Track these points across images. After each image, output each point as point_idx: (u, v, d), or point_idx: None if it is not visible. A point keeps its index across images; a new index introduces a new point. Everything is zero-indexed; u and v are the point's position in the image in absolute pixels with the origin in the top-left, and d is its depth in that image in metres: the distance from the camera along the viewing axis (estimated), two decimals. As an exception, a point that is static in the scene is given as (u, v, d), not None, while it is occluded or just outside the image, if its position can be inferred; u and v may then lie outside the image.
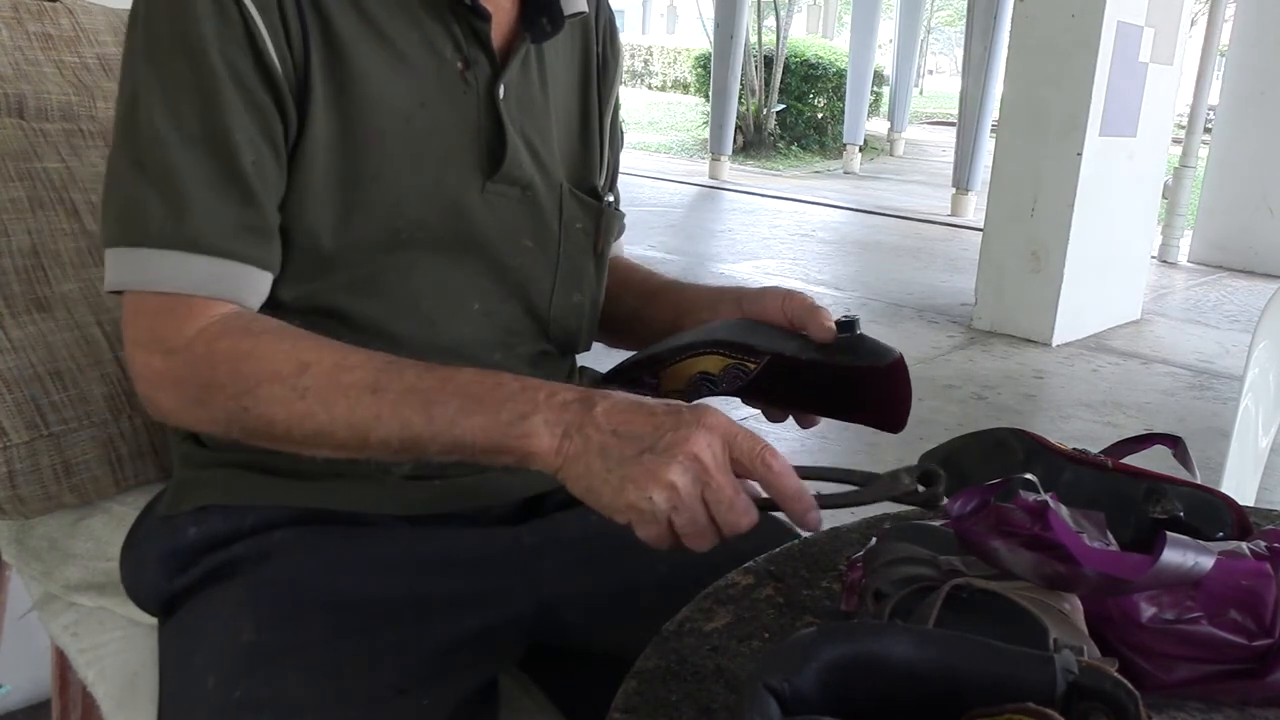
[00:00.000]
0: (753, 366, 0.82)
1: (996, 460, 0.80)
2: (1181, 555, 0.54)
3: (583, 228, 0.93)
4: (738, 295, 0.91)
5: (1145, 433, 0.83)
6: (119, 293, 0.76)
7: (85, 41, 1.19)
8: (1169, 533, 0.56)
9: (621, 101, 1.06)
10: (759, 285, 0.90)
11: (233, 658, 0.74)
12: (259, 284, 0.76)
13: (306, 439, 0.70)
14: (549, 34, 0.87)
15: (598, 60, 0.97)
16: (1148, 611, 0.59)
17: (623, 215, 1.08)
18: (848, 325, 0.81)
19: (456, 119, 0.83)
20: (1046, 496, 0.61)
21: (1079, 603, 0.57)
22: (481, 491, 0.86)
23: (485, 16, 0.82)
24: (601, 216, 0.94)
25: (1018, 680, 0.44)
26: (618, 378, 0.89)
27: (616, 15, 1.03)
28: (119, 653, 0.91)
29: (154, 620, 0.87)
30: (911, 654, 0.45)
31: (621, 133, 1.07)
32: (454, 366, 0.70)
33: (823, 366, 0.81)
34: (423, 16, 0.81)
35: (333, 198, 0.79)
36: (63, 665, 1.03)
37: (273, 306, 0.79)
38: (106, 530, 0.96)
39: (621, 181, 1.07)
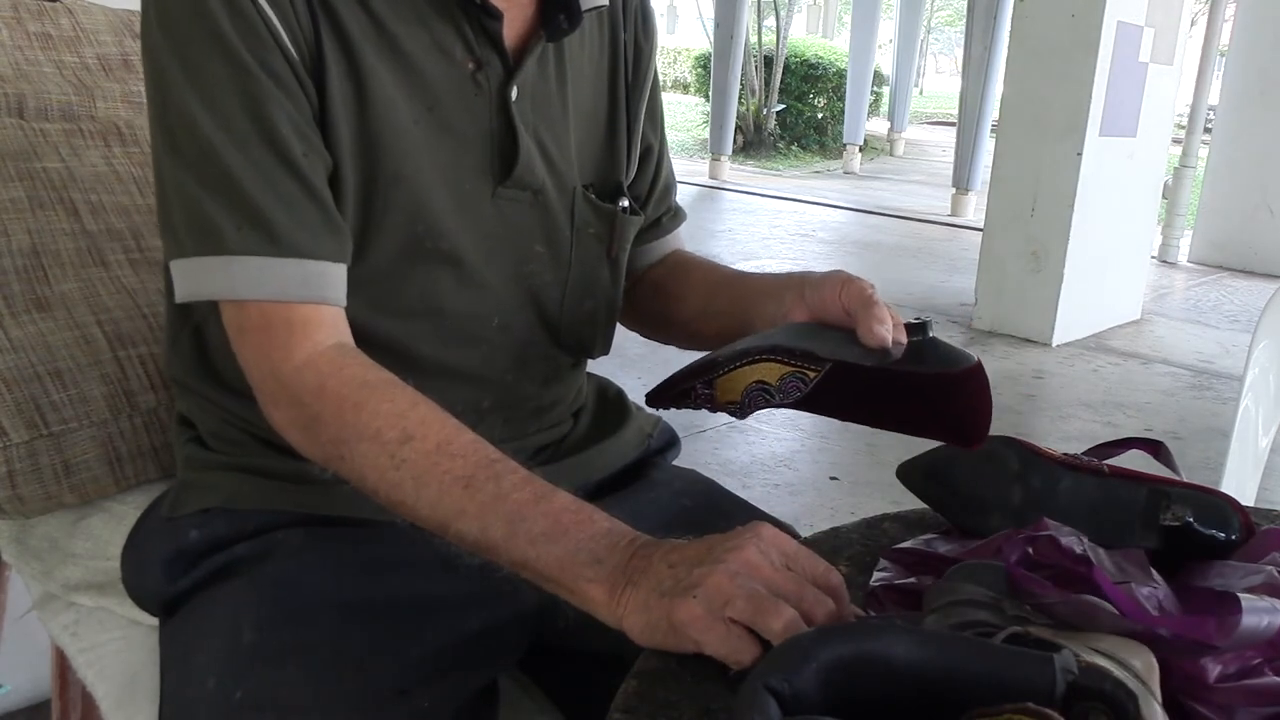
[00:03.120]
0: (812, 375, 0.76)
1: (989, 472, 0.78)
2: (1258, 618, 0.53)
3: (595, 233, 0.91)
4: (801, 283, 0.84)
5: (1125, 437, 0.82)
6: (181, 302, 0.76)
7: (85, 41, 1.19)
8: (1243, 595, 0.54)
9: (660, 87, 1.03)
10: (824, 272, 0.84)
11: (233, 658, 0.74)
12: (340, 280, 0.76)
13: (390, 503, 0.71)
14: (566, 31, 0.85)
15: (626, 49, 0.95)
16: (1215, 670, 0.56)
17: (682, 211, 1.06)
18: (919, 329, 0.74)
19: (467, 122, 0.81)
20: (1085, 546, 0.59)
21: (1154, 659, 0.53)
22: None
23: (496, 15, 0.80)
24: (615, 220, 0.92)
25: (1017, 680, 0.44)
26: (669, 389, 0.83)
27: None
28: (119, 653, 0.91)
29: (154, 620, 0.87)
30: (911, 654, 0.45)
31: (664, 128, 1.04)
32: (553, 487, 0.68)
33: (888, 374, 0.75)
34: (430, 16, 0.79)
35: (355, 201, 0.78)
36: (63, 665, 1.03)
37: None
38: (106, 530, 0.96)
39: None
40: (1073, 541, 0.59)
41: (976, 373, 0.73)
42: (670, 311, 1.01)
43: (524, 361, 0.90)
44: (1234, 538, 0.70)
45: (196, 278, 0.74)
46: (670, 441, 1.07)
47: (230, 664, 0.74)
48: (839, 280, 0.80)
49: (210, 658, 0.75)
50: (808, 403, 0.78)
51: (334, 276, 0.75)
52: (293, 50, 0.74)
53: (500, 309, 0.86)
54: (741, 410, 0.80)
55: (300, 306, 0.74)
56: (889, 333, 0.75)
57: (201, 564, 0.82)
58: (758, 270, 0.99)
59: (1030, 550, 0.60)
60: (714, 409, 0.83)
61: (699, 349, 0.97)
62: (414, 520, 0.70)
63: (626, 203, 0.94)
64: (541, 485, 0.68)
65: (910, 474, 0.80)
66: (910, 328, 0.75)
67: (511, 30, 0.83)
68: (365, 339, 0.79)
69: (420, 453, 0.69)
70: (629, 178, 0.97)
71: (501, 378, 0.89)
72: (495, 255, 0.85)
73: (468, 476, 0.68)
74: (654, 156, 1.01)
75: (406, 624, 0.78)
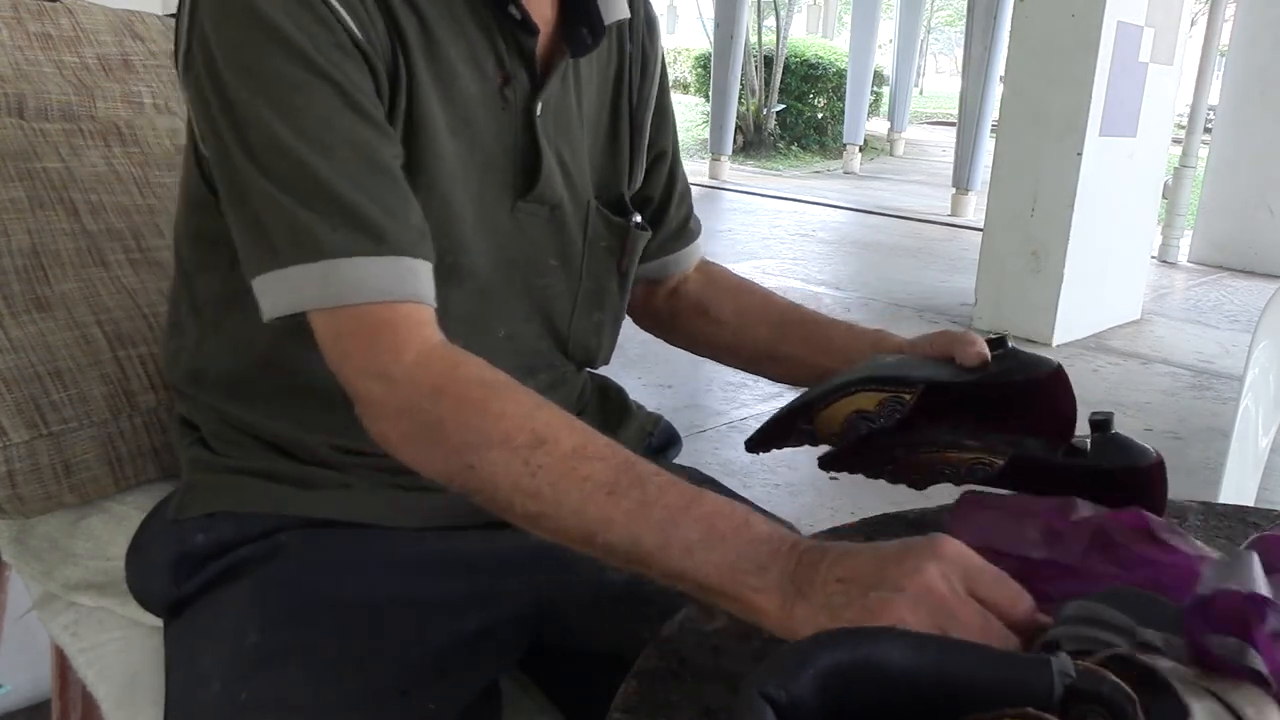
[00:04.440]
0: (909, 397, 0.79)
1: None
2: None
3: (607, 246, 0.91)
4: (877, 341, 0.90)
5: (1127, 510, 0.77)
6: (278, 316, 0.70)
7: (85, 41, 1.19)
8: None
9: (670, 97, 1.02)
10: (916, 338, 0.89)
11: (238, 660, 0.74)
12: (430, 279, 0.72)
13: (526, 516, 0.65)
14: (590, 47, 0.85)
15: (632, 59, 0.95)
16: None
17: (698, 222, 1.06)
18: (998, 343, 0.80)
19: (493, 136, 0.81)
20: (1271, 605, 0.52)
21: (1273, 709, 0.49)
22: None
23: (534, 31, 0.80)
24: (628, 235, 0.92)
25: (1015, 684, 0.44)
26: (774, 429, 0.85)
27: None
28: (119, 652, 0.91)
29: (155, 621, 0.87)
30: (909, 659, 0.45)
31: (675, 131, 1.03)
32: (698, 488, 0.64)
33: (978, 387, 0.79)
34: (470, 28, 0.79)
35: None
36: (63, 665, 1.04)
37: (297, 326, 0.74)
38: (107, 530, 0.96)
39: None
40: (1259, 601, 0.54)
41: (1059, 376, 0.79)
42: (724, 338, 1.02)
43: (530, 370, 0.90)
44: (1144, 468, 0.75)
45: (291, 288, 0.69)
46: (671, 440, 1.07)
47: (235, 666, 0.74)
48: (928, 335, 0.86)
49: (215, 660, 0.75)
50: (908, 426, 0.80)
51: (426, 276, 0.72)
52: (373, 55, 0.72)
53: (506, 320, 0.86)
54: (842, 440, 0.82)
55: (401, 305, 0.69)
56: (984, 350, 0.80)
57: (207, 567, 0.82)
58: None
59: (1208, 599, 0.53)
60: (815, 443, 0.85)
61: (759, 375, 1.01)
62: (553, 534, 0.65)
63: (639, 218, 0.94)
64: (688, 488, 0.64)
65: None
66: (991, 343, 0.80)
67: (538, 46, 0.83)
68: None
69: (556, 457, 0.64)
70: (632, 189, 0.97)
71: None
72: (510, 268, 0.85)
73: (610, 482, 0.63)
74: (667, 161, 1.01)
75: (409, 624, 0.78)
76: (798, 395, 0.85)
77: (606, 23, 0.85)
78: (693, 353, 1.07)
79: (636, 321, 1.10)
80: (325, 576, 0.79)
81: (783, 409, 0.85)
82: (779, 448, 0.87)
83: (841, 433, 0.82)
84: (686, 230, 1.04)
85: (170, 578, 0.82)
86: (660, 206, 1.02)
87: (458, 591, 0.81)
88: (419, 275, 0.71)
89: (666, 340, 1.09)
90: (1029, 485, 0.77)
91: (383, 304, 0.69)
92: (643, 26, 0.96)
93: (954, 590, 0.55)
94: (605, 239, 0.91)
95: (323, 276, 0.68)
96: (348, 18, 0.71)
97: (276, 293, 0.70)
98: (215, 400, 0.87)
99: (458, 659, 0.79)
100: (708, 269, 1.07)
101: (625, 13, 0.88)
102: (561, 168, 0.86)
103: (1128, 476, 0.76)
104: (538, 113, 0.82)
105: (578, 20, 0.84)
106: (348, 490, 0.82)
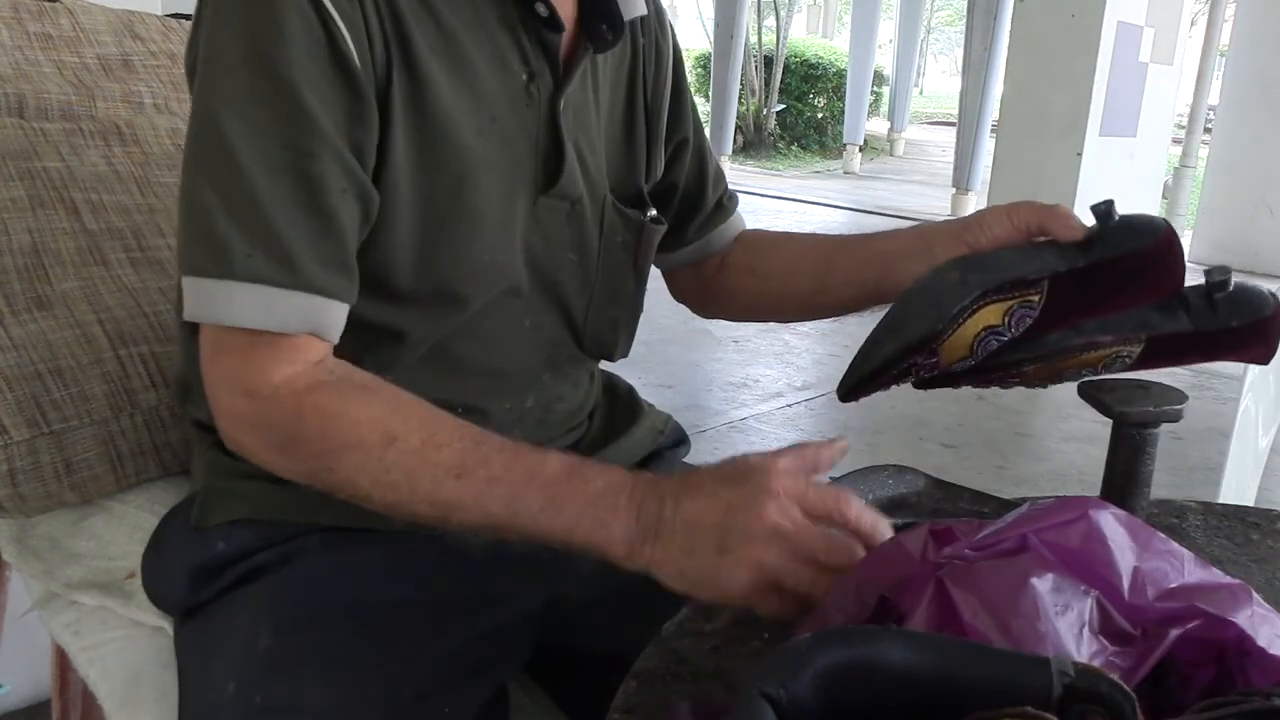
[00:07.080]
0: (1036, 299, 0.74)
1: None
2: None
3: (623, 241, 0.92)
4: (953, 231, 0.86)
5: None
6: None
7: (85, 41, 1.19)
8: None
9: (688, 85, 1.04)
10: (974, 214, 0.85)
11: (250, 663, 0.74)
12: (341, 318, 0.74)
13: (388, 507, 0.70)
14: (610, 43, 0.85)
15: (646, 53, 0.95)
16: None
17: (734, 197, 1.08)
18: (1105, 214, 0.76)
19: (519, 133, 0.82)
20: None
21: None
22: None
23: (559, 29, 0.81)
24: (643, 230, 0.93)
25: (1014, 683, 0.44)
26: (887, 369, 0.78)
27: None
28: (122, 651, 0.91)
29: (158, 621, 0.87)
30: (908, 659, 0.45)
31: (697, 117, 1.04)
32: (541, 453, 0.69)
33: (1100, 267, 0.75)
34: (495, 28, 0.79)
35: (414, 219, 0.77)
36: (63, 665, 1.04)
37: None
38: (108, 529, 0.96)
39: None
40: None
41: (1169, 236, 0.75)
42: (773, 288, 1.03)
43: (552, 361, 0.90)
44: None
45: (199, 299, 0.71)
46: (680, 439, 1.07)
47: (248, 669, 0.74)
48: (1002, 212, 0.83)
49: (227, 663, 0.75)
50: (1043, 326, 0.76)
51: (334, 314, 0.73)
52: (359, 66, 0.71)
53: (531, 311, 0.87)
54: (975, 361, 0.77)
55: (292, 337, 0.71)
56: (1081, 223, 0.78)
57: (225, 574, 0.81)
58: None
59: None
60: (935, 377, 0.79)
61: (815, 318, 1.02)
62: (416, 519, 0.70)
63: (654, 212, 0.96)
64: (530, 460, 0.68)
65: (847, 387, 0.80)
66: (1097, 213, 0.77)
67: (562, 43, 0.83)
68: (407, 342, 0.79)
69: (407, 452, 0.68)
70: (650, 181, 0.97)
71: (538, 376, 0.89)
72: (530, 263, 0.85)
73: (458, 465, 0.68)
74: (689, 147, 1.02)
75: (424, 627, 0.78)
76: (882, 333, 0.78)
77: (626, 19, 0.85)
78: (750, 319, 1.11)
79: (694, 307, 1.12)
80: (338, 580, 0.79)
81: (892, 349, 0.77)
82: (882, 389, 0.81)
83: (971, 355, 0.76)
84: (721, 208, 1.07)
85: (188, 585, 0.82)
86: (695, 191, 1.04)
87: (472, 593, 0.82)
88: (323, 312, 0.72)
89: (723, 316, 1.11)
90: (1164, 361, 0.77)
91: (271, 333, 0.70)
92: (654, 20, 0.97)
93: (795, 520, 0.62)
94: (621, 234, 0.92)
95: (226, 296, 0.69)
96: (350, 41, 0.70)
97: (189, 296, 0.71)
98: None
99: (472, 661, 0.79)
100: (745, 235, 1.09)
101: (643, 9, 0.89)
102: (581, 163, 0.86)
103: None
104: (561, 109, 0.83)
105: (598, 17, 0.84)
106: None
